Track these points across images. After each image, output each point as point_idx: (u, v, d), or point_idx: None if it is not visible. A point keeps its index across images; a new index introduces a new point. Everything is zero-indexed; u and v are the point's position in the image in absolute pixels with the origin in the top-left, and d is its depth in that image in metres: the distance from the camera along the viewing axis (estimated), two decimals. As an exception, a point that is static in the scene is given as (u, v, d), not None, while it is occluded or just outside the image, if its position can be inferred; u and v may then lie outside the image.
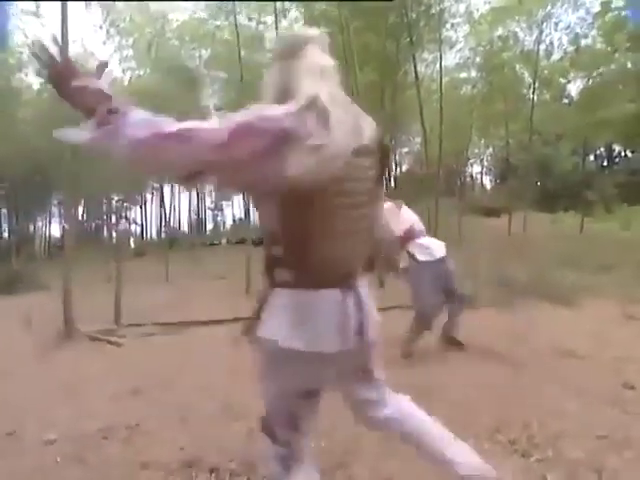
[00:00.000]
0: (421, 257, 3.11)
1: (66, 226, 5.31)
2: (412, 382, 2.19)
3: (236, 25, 8.38)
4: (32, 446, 2.02)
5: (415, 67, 9.02)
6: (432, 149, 11.03)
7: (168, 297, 7.25)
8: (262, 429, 1.06)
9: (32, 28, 14.93)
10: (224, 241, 21.06)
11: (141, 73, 13.26)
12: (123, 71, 14.45)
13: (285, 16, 9.12)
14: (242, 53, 9.11)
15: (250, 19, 9.45)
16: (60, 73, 0.77)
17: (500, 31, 10.75)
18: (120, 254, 7.18)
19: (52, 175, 15.19)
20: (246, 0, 8.64)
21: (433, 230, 10.59)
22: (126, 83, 14.12)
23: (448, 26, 10.03)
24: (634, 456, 1.66)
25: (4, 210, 23.64)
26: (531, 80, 11.59)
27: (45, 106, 13.42)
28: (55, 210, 26.28)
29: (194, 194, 24.04)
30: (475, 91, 13.02)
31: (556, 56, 11.46)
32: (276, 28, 8.18)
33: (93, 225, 29.89)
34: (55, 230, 28.08)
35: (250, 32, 9.68)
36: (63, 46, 0.84)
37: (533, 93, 10.82)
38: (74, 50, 14.85)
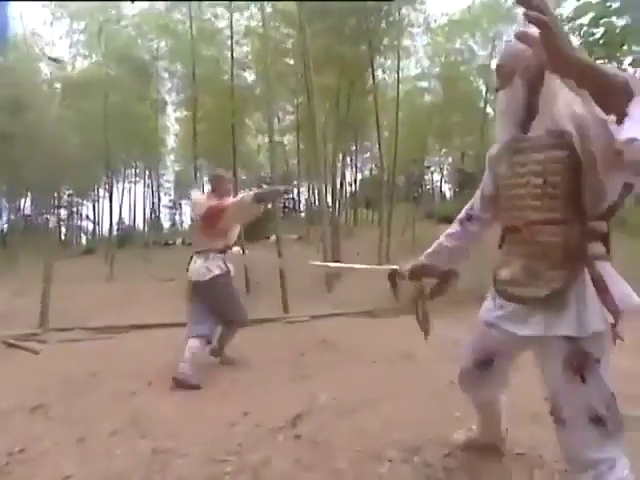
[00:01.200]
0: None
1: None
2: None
3: (190, 19, 8.11)
4: None
5: (373, 73, 9.11)
6: (391, 155, 11.18)
7: (108, 298, 6.82)
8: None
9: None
10: (179, 241, 20.35)
11: (92, 60, 12.51)
12: (73, 56, 13.69)
13: (242, 13, 8.93)
14: (197, 47, 8.88)
15: (204, 13, 9.13)
16: None
17: (457, 44, 11.13)
18: (51, 250, 6.69)
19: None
20: (238, 0, 8.32)
21: (387, 235, 10.82)
22: (74, 68, 13.34)
23: (407, 34, 10.25)
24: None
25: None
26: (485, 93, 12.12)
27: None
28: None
29: (150, 191, 23.09)
30: (433, 101, 13.39)
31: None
32: (231, 24, 7.99)
33: (39, 219, 28.00)
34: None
35: (205, 26, 9.38)
36: None
37: (485, 106, 11.23)
38: (17, 29, 13.95)
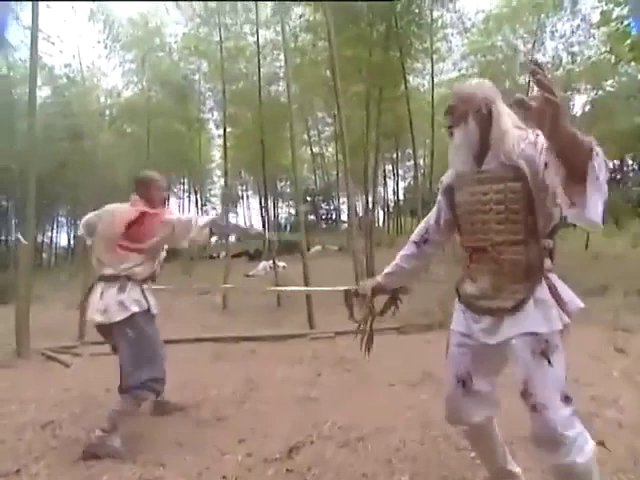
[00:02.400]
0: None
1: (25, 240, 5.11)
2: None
3: (220, 38, 8.42)
4: None
5: (405, 78, 8.87)
6: (435, 163, 10.75)
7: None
8: None
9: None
10: (223, 254, 20.92)
11: (140, 87, 13.41)
12: (125, 85, 14.73)
13: (268, 27, 9.13)
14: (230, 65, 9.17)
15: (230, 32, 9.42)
16: None
17: (497, 41, 10.56)
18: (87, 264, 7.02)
19: (57, 186, 15.42)
20: (247, 0, 8.58)
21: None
22: (125, 96, 14.36)
23: (440, 36, 9.92)
24: None
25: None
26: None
27: (46, 119, 13.63)
28: (63, 220, 26.62)
29: (198, 207, 24.15)
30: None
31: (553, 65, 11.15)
32: (257, 39, 8.16)
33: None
34: (64, 240, 28.34)
35: (239, 44, 9.70)
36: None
37: None
38: (75, 66, 15.26)
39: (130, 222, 2.14)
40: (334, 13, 7.15)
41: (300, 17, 8.84)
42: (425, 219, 1.59)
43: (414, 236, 1.58)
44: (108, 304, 2.10)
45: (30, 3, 5.48)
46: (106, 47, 12.96)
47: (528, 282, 1.23)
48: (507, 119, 1.24)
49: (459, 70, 12.19)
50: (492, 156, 1.25)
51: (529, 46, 10.25)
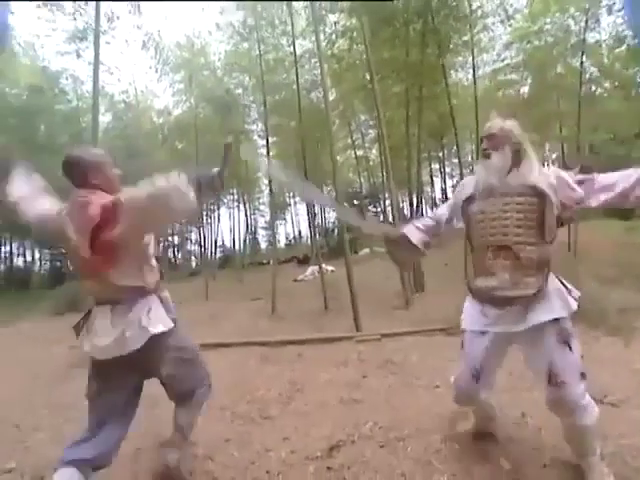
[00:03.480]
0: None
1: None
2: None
3: (259, 50, 8.75)
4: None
5: (445, 74, 8.63)
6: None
7: (199, 317, 7.41)
8: None
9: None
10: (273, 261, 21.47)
11: (188, 105, 14.22)
12: (175, 104, 15.73)
13: (305, 37, 9.33)
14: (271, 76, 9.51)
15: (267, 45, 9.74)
16: None
17: (546, 24, 9.91)
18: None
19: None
20: (255, 0, 8.87)
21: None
22: (175, 114, 15.33)
23: (480, 27, 9.51)
24: None
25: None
26: (588, 74, 10.51)
27: (109, 142, 14.93)
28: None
29: (248, 214, 25.06)
30: (523, 92, 12.13)
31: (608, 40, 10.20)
32: (294, 50, 8.36)
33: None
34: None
35: (279, 55, 10.03)
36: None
37: (580, 88, 9.69)
38: (131, 91, 16.53)
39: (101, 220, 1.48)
40: (368, 15, 7.19)
41: (335, 24, 8.97)
42: (435, 214, 1.97)
43: (425, 228, 1.93)
44: (120, 329, 1.57)
45: (92, 42, 6.08)
46: (157, 71, 13.88)
47: (540, 274, 1.56)
48: (534, 155, 1.65)
49: (502, 60, 11.64)
50: (514, 177, 1.62)
51: (582, 24, 9.53)
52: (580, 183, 1.57)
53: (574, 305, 1.54)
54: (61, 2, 8.11)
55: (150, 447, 2.21)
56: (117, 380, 1.66)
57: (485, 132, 1.70)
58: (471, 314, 1.71)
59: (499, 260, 1.59)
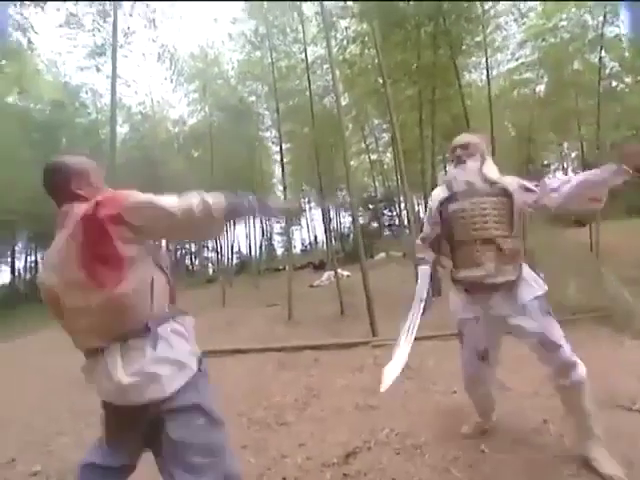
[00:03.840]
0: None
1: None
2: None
3: (272, 57, 8.85)
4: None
5: (458, 76, 8.55)
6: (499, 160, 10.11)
7: (216, 324, 7.49)
8: None
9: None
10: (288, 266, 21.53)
11: (203, 114, 14.50)
12: (190, 113, 16.06)
13: (316, 43, 9.39)
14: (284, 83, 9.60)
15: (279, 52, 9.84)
16: None
17: (561, 20, 9.72)
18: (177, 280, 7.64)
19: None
20: (261, 0, 8.96)
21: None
22: (190, 123, 15.64)
23: (493, 27, 9.40)
24: None
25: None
26: (608, 70, 10.24)
27: (127, 152, 15.33)
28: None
29: (264, 221, 25.20)
30: (539, 91, 11.93)
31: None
32: (305, 57, 8.42)
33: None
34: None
35: (291, 62, 10.14)
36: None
37: (599, 84, 9.42)
38: (147, 102, 16.93)
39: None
40: (379, 19, 7.20)
41: (346, 29, 9.00)
42: (424, 235, 2.17)
43: (432, 257, 2.17)
44: (142, 374, 1.15)
45: (110, 56, 6.28)
46: (172, 82, 14.21)
47: (517, 263, 1.81)
48: (492, 163, 1.97)
49: (517, 59, 11.46)
50: (482, 180, 1.89)
51: (600, 19, 9.30)
52: (536, 186, 1.80)
53: (545, 285, 1.82)
54: (81, 20, 8.38)
55: None
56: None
57: (459, 142, 1.98)
58: (461, 304, 1.95)
59: (486, 251, 1.81)
